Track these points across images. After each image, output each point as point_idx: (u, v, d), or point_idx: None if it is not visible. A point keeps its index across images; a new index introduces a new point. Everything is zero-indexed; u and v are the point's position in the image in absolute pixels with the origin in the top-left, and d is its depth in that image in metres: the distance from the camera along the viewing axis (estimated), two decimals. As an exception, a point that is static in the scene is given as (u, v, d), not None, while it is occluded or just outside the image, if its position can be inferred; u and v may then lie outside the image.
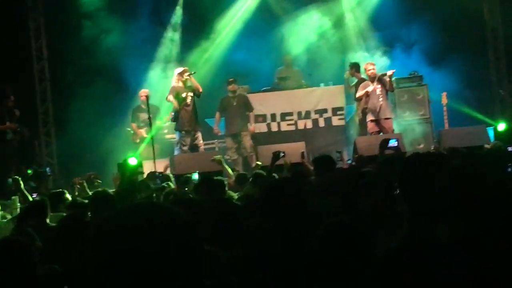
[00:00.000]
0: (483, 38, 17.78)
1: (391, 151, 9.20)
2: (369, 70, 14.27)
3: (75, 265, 4.32)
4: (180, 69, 14.24)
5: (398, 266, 3.18)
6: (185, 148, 13.78)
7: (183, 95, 13.87)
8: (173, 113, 14.07)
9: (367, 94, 14.13)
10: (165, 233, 1.83)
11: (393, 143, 9.05)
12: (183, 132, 13.90)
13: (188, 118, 13.86)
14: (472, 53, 17.19)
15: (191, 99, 13.92)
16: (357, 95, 14.43)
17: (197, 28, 17.47)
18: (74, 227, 5.05)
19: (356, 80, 15.19)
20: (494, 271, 3.14)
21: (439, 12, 16.98)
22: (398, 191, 4.84)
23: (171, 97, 13.87)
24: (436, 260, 3.12)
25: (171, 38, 17.47)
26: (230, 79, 14.94)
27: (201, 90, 14.00)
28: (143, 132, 15.27)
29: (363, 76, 14.85)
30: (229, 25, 17.48)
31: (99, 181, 11.90)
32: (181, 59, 16.96)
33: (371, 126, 14.26)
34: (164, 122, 15.50)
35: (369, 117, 14.29)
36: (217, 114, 15.00)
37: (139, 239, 1.81)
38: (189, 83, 13.96)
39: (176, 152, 13.88)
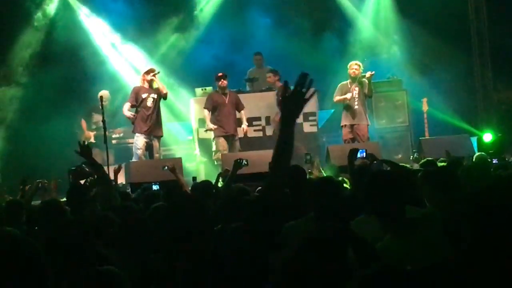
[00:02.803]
0: (468, 42, 17.52)
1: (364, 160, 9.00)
2: (352, 69, 13.96)
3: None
4: (146, 68, 13.87)
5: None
6: (140, 151, 13.29)
7: (143, 95, 13.41)
8: (134, 114, 13.55)
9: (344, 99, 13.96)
10: None
11: (362, 154, 8.84)
12: (138, 134, 13.45)
13: (146, 121, 13.37)
14: (456, 58, 16.98)
15: (153, 102, 13.41)
16: (336, 98, 14.14)
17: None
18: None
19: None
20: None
21: (422, 14, 16.71)
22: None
23: (125, 110, 13.46)
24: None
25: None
26: (220, 73, 14.10)
27: (165, 91, 13.52)
28: (92, 135, 14.95)
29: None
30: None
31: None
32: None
33: (345, 133, 14.02)
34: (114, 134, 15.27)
35: (343, 121, 14.06)
36: (207, 112, 14.05)
37: None
38: (154, 84, 13.50)
39: (134, 156, 13.45)
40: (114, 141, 15.75)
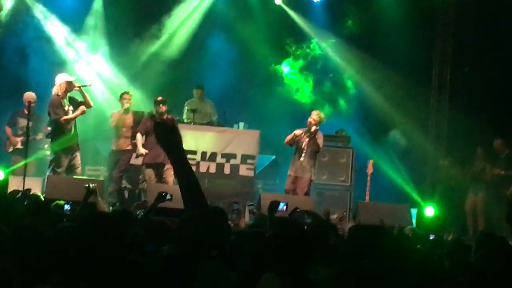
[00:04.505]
0: (426, 114, 17.50)
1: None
2: (311, 118, 13.75)
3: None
4: (69, 78, 12.99)
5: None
6: (60, 170, 12.61)
7: (65, 108, 12.76)
8: (49, 128, 13.02)
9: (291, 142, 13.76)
10: None
11: (283, 207, 8.75)
12: (59, 152, 12.79)
13: (68, 136, 12.77)
14: (411, 126, 16.89)
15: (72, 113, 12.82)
16: (286, 139, 13.90)
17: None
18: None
19: None
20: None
21: (384, 71, 16.72)
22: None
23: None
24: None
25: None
26: (159, 98, 13.69)
27: (92, 104, 13.01)
28: (19, 141, 14.46)
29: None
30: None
31: None
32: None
33: (287, 182, 13.86)
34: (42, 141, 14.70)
35: (289, 171, 13.90)
36: (139, 136, 13.53)
37: None
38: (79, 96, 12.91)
39: (48, 174, 12.74)
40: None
